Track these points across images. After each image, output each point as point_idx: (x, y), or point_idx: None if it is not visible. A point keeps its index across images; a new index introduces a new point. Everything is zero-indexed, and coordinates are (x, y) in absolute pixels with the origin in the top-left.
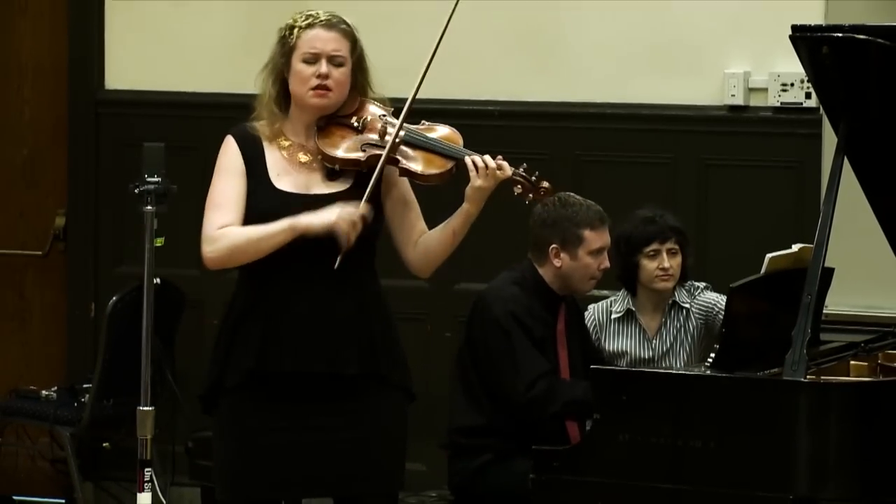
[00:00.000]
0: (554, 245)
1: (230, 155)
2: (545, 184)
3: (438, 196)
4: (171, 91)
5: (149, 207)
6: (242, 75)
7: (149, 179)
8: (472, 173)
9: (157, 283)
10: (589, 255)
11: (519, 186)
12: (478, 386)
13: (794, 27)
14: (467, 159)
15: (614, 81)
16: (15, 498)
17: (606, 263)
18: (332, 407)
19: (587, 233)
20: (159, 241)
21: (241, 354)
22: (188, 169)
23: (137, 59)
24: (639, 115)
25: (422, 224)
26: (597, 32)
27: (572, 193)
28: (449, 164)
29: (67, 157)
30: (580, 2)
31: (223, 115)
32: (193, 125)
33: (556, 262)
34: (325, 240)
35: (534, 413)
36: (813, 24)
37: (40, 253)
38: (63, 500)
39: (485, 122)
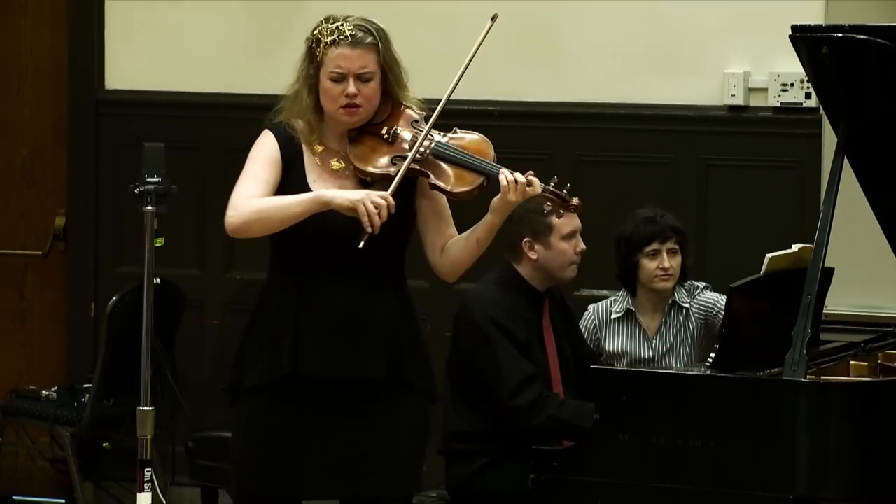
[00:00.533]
0: (526, 238)
1: (268, 146)
2: (575, 201)
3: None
4: (171, 91)
5: (149, 207)
6: (242, 75)
7: (149, 179)
8: (503, 188)
9: (157, 283)
10: (562, 240)
11: (549, 203)
12: (470, 390)
13: (794, 27)
14: (500, 176)
15: (614, 81)
16: (15, 498)
17: (582, 245)
18: (357, 410)
19: (555, 219)
20: (159, 241)
21: (272, 357)
22: (188, 169)
23: (137, 59)
24: (639, 115)
25: (451, 231)
26: (597, 32)
27: None
28: (479, 180)
29: (67, 157)
30: (580, 1)
31: (223, 115)
32: (193, 125)
33: (532, 255)
34: (353, 241)
35: (518, 421)
36: (813, 24)
37: (40, 253)
38: (63, 500)
39: (485, 122)
